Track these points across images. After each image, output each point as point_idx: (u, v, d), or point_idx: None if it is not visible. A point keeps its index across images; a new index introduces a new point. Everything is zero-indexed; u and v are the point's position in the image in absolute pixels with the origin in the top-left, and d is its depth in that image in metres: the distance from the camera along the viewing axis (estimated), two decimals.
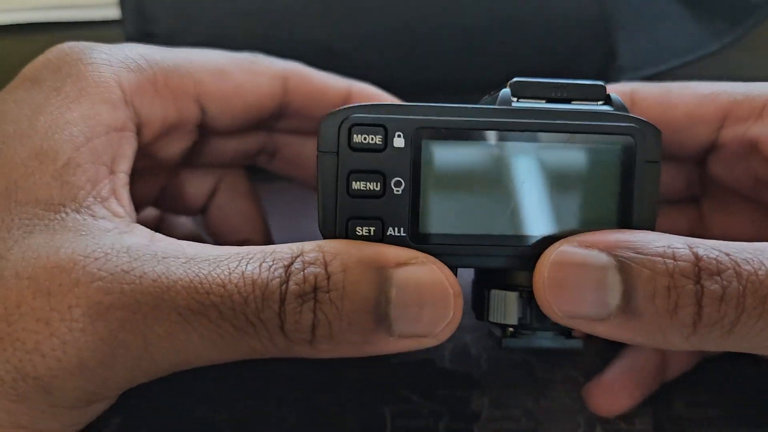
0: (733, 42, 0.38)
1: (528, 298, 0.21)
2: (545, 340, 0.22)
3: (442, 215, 0.20)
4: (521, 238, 0.20)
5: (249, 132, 0.27)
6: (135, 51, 0.23)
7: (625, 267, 0.18)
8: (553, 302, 0.19)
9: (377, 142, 0.19)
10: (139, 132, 0.23)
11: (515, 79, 0.21)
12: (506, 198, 0.20)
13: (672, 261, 0.18)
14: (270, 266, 0.18)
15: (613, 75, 0.37)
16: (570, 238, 0.19)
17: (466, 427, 0.28)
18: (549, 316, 0.19)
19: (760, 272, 0.17)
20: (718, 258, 0.18)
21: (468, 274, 0.25)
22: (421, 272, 0.19)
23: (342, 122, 0.19)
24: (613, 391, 0.27)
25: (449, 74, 0.36)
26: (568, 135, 0.20)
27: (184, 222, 0.31)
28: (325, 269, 0.18)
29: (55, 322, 0.17)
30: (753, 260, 0.18)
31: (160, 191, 0.28)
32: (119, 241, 0.19)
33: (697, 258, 0.18)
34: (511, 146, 0.20)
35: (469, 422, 0.28)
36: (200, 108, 0.24)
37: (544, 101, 0.21)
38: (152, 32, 0.34)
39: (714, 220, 0.27)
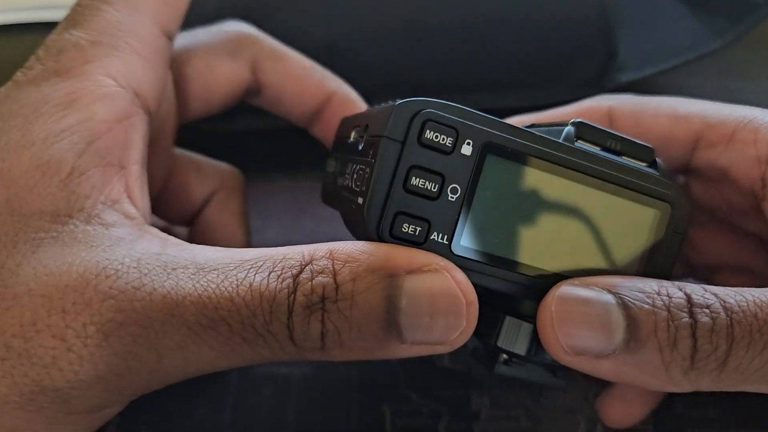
0: (734, 40, 0.38)
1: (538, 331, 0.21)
2: (534, 374, 0.22)
3: (484, 232, 0.20)
4: (549, 273, 0.20)
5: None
6: (99, 25, 0.22)
7: (627, 303, 0.19)
8: (561, 337, 0.19)
9: (447, 143, 0.19)
10: (147, 107, 0.22)
11: (579, 120, 0.21)
12: (545, 231, 0.20)
13: (667, 298, 0.19)
14: (278, 275, 0.18)
15: (614, 74, 0.37)
16: (571, 279, 0.20)
17: (466, 427, 0.28)
18: (553, 353, 0.19)
19: (742, 304, 0.19)
20: (705, 295, 0.19)
21: None
22: (432, 280, 0.18)
23: (416, 114, 0.19)
24: (627, 401, 0.27)
25: (449, 73, 0.36)
26: (615, 187, 0.21)
27: (182, 233, 0.30)
28: (334, 278, 0.18)
29: (71, 339, 0.18)
30: (736, 296, 0.19)
31: (159, 191, 0.27)
32: (130, 251, 0.19)
33: (688, 295, 0.19)
34: (564, 183, 0.20)
35: (469, 421, 0.28)
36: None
37: (599, 148, 0.22)
38: None
39: (699, 241, 0.27)
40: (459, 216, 0.19)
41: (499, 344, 0.22)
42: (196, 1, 0.35)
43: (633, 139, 0.22)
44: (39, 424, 0.18)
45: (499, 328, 0.22)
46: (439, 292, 0.18)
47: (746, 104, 0.25)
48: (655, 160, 0.22)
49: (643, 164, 0.22)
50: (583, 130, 0.21)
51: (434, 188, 0.19)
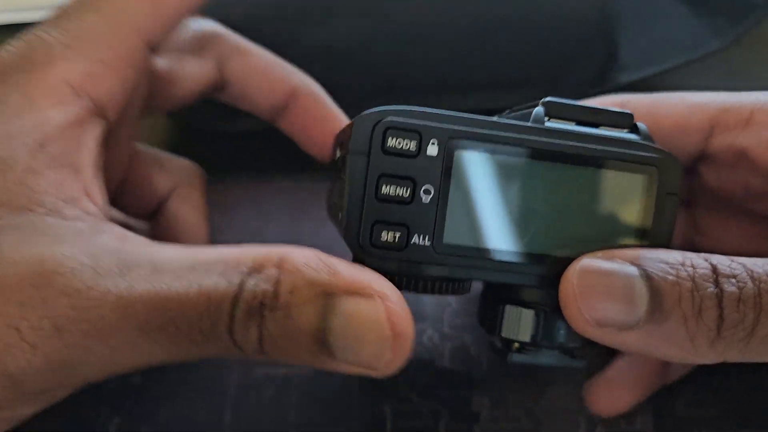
0: (735, 40, 0.38)
1: (541, 316, 0.21)
2: (550, 358, 0.22)
3: (467, 227, 0.20)
4: (542, 256, 0.20)
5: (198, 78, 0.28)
6: (77, 30, 0.22)
7: (650, 275, 0.19)
8: (584, 310, 0.19)
9: (411, 148, 0.19)
10: (104, 114, 0.23)
11: (548, 99, 0.21)
12: (531, 215, 0.20)
13: (692, 269, 0.19)
14: (227, 279, 0.18)
15: (614, 74, 0.37)
16: (593, 252, 0.20)
17: (467, 427, 0.28)
18: (576, 326, 0.19)
19: None
20: (732, 265, 0.19)
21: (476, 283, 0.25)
22: (363, 306, 0.18)
23: (376, 124, 0.19)
24: (614, 389, 0.27)
25: (449, 74, 0.36)
26: (595, 159, 0.20)
27: (144, 228, 0.31)
28: (276, 288, 0.18)
29: (25, 329, 0.18)
30: (765, 265, 0.19)
31: (119, 183, 0.28)
32: (89, 247, 0.19)
33: (714, 266, 0.19)
34: (541, 165, 0.20)
35: (469, 422, 0.28)
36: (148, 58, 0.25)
37: (574, 123, 0.21)
38: None
39: (707, 226, 0.27)
40: (437, 216, 0.19)
41: (503, 334, 0.22)
42: None
43: (609, 108, 0.22)
44: None
45: (500, 319, 0.22)
46: (367, 320, 0.18)
47: None
48: (636, 124, 0.22)
49: (624, 131, 0.22)
50: (551, 107, 0.21)
51: (406, 193, 0.19)
